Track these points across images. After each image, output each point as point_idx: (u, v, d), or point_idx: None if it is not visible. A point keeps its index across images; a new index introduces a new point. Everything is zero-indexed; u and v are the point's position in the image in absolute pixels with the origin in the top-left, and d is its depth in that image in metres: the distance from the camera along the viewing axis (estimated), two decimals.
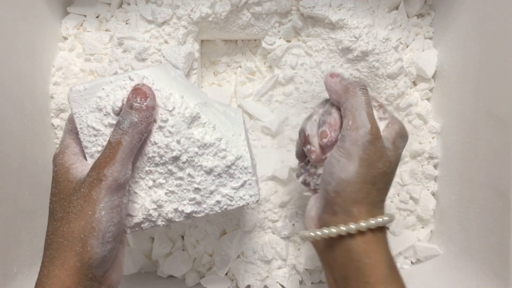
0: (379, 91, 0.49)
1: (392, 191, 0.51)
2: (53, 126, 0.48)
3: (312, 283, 0.51)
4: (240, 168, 0.35)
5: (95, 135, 0.33)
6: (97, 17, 0.50)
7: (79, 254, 0.30)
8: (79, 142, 0.34)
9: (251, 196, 0.35)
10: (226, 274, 0.51)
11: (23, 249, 0.43)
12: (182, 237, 0.50)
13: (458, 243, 0.47)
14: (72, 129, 0.34)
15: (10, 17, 0.42)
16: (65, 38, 0.50)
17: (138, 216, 0.34)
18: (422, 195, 0.51)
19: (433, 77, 0.50)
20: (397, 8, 0.49)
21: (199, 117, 0.33)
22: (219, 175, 0.34)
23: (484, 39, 0.43)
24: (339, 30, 0.46)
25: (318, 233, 0.33)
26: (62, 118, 0.48)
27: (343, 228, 0.32)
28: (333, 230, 0.32)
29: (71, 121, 0.34)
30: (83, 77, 0.49)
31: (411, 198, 0.51)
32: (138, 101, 0.31)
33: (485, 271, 0.42)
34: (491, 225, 0.42)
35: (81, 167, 0.32)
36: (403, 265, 0.51)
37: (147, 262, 0.51)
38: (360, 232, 0.32)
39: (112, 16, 0.49)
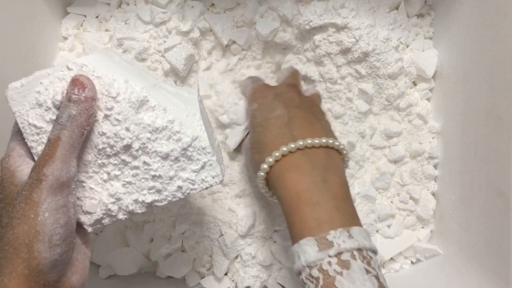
0: (380, 91, 0.49)
1: (392, 191, 0.51)
2: None
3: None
4: (198, 149, 0.33)
5: (38, 133, 0.31)
6: (97, 17, 0.50)
7: (26, 261, 0.28)
8: (25, 143, 0.32)
9: (213, 178, 0.34)
10: (226, 274, 0.51)
11: None
12: (182, 238, 0.50)
13: (458, 243, 0.47)
14: (17, 131, 0.32)
15: (10, 17, 0.41)
16: (65, 38, 0.50)
17: (97, 213, 0.33)
18: (422, 195, 0.51)
19: (433, 77, 0.50)
20: (397, 8, 0.49)
21: (147, 100, 0.31)
22: (177, 159, 0.33)
23: (484, 39, 0.43)
24: (342, 31, 0.46)
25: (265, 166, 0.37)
26: None
27: (284, 148, 0.36)
28: (276, 153, 0.36)
29: (16, 124, 0.32)
30: None
31: (411, 198, 0.51)
32: (76, 93, 0.29)
33: (485, 271, 0.42)
34: (491, 225, 0.42)
35: (27, 170, 0.30)
36: (403, 265, 0.51)
37: (147, 262, 0.51)
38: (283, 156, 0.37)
39: (111, 16, 0.49)
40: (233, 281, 0.51)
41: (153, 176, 0.32)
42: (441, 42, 0.50)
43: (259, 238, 0.49)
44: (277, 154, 0.37)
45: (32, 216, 0.28)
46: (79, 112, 0.29)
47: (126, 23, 0.48)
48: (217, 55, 0.50)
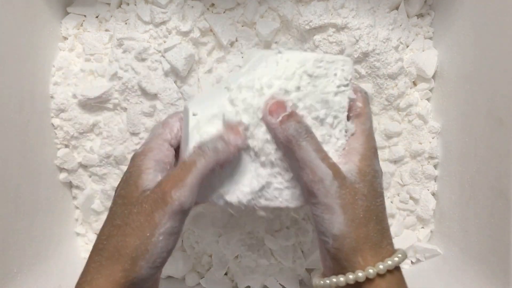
0: (380, 91, 0.49)
1: (392, 191, 0.51)
2: (53, 126, 0.48)
3: (311, 284, 0.51)
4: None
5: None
6: (97, 17, 0.50)
7: (127, 271, 0.29)
8: (163, 150, 0.33)
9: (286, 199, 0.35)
10: (226, 274, 0.51)
11: (23, 249, 0.43)
12: (182, 237, 0.50)
13: (458, 243, 0.47)
14: (162, 134, 0.34)
15: (10, 17, 0.41)
16: (65, 38, 0.50)
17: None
18: (422, 195, 0.51)
19: (433, 77, 0.50)
20: (397, 8, 0.49)
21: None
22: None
23: (484, 39, 0.43)
24: (342, 31, 0.46)
25: (327, 281, 0.31)
26: (62, 118, 0.48)
27: (350, 276, 0.30)
28: (341, 279, 0.30)
29: (165, 125, 0.34)
30: (83, 77, 0.49)
31: (411, 198, 0.51)
32: (231, 137, 0.31)
33: (485, 271, 0.42)
34: (491, 225, 0.42)
35: (153, 176, 0.31)
36: (403, 265, 0.51)
37: None
38: (369, 280, 0.30)
39: (111, 16, 0.49)
40: (233, 281, 0.51)
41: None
42: (441, 42, 0.50)
43: (259, 238, 0.49)
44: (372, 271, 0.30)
45: (147, 234, 0.29)
46: (223, 151, 0.31)
47: (126, 23, 0.49)
48: (217, 55, 0.50)
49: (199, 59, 0.49)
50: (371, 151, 0.33)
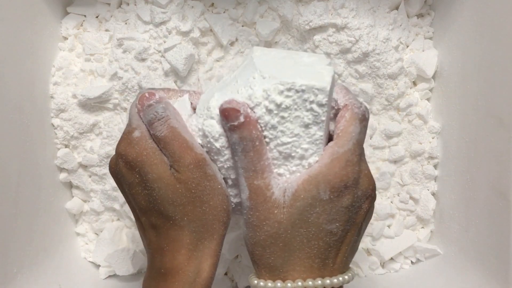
0: (380, 91, 0.49)
1: (392, 191, 0.51)
2: (53, 126, 0.48)
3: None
4: None
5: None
6: (97, 17, 0.50)
7: (225, 223, 0.33)
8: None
9: None
10: (226, 274, 0.51)
11: (23, 249, 0.43)
12: None
13: (458, 243, 0.47)
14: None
15: (10, 17, 0.41)
16: (65, 38, 0.50)
17: None
18: (422, 195, 0.51)
19: (433, 77, 0.50)
20: (397, 8, 0.49)
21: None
22: None
23: (484, 39, 0.43)
24: (342, 31, 0.46)
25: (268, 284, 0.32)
26: (62, 118, 0.48)
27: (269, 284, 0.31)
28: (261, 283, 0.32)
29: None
30: (83, 77, 0.49)
31: (411, 198, 0.51)
32: (148, 101, 0.34)
33: (485, 271, 0.42)
34: (491, 225, 0.42)
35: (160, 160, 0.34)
36: (403, 265, 0.51)
37: (147, 262, 0.51)
38: None
39: (111, 16, 0.49)
40: (233, 281, 0.51)
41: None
42: (441, 42, 0.50)
43: None
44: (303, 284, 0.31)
45: (218, 186, 0.33)
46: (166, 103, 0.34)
47: (126, 23, 0.49)
48: (217, 55, 0.50)
49: (199, 59, 0.49)
50: (325, 178, 0.30)
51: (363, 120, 0.32)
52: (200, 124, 0.33)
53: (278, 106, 0.31)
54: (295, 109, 0.31)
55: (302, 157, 0.32)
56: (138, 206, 0.34)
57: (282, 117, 0.31)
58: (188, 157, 0.32)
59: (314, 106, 0.31)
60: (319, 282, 0.30)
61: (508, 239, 0.39)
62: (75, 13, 0.50)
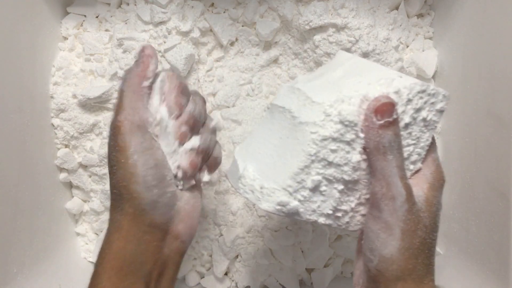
0: None
1: None
2: (53, 126, 0.48)
3: (311, 284, 0.51)
4: None
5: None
6: (97, 17, 0.50)
7: (129, 201, 0.31)
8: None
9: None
10: (226, 274, 0.51)
11: (23, 249, 0.43)
12: None
13: (458, 243, 0.47)
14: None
15: (10, 17, 0.41)
16: (65, 38, 0.50)
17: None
18: None
19: (433, 77, 0.50)
20: (397, 8, 0.49)
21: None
22: None
23: (484, 39, 0.43)
24: (342, 31, 0.46)
25: None
26: (62, 118, 0.48)
27: None
28: None
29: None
30: (83, 77, 0.49)
31: None
32: (138, 56, 0.35)
33: (485, 271, 0.42)
34: (491, 225, 0.42)
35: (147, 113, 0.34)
36: None
37: None
38: None
39: (111, 16, 0.49)
40: (233, 281, 0.51)
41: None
42: (441, 42, 0.50)
43: (259, 237, 0.49)
44: None
45: (123, 160, 0.31)
46: (136, 65, 0.34)
47: (126, 23, 0.49)
48: (217, 55, 0.50)
49: (199, 59, 0.49)
50: (439, 182, 0.32)
51: None
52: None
53: (414, 107, 0.30)
54: (422, 111, 0.31)
55: (414, 161, 0.32)
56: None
57: (413, 118, 0.31)
58: (113, 121, 0.32)
59: (435, 111, 0.31)
60: None
61: (508, 239, 0.39)
62: (75, 13, 0.50)
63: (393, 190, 0.29)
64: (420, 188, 0.31)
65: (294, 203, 0.30)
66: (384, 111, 0.29)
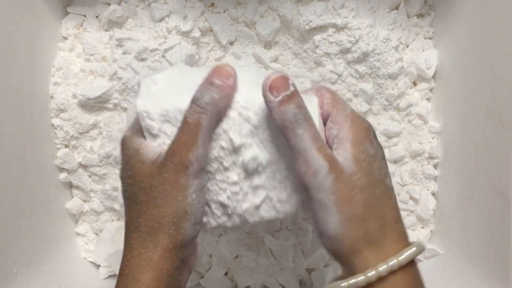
0: (380, 91, 0.49)
1: None
2: (53, 126, 0.48)
3: (311, 284, 0.51)
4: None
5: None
6: (97, 17, 0.50)
7: (173, 237, 0.30)
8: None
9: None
10: (226, 274, 0.51)
11: (23, 249, 0.43)
12: None
13: (458, 243, 0.47)
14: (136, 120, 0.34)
15: (10, 17, 0.41)
16: (65, 38, 0.50)
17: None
18: (422, 195, 0.51)
19: (433, 77, 0.50)
20: (397, 8, 0.49)
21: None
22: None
23: (484, 39, 0.43)
24: (341, 31, 0.46)
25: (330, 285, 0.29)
26: (62, 118, 0.48)
27: (351, 281, 0.27)
28: (342, 284, 0.28)
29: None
30: (83, 77, 0.49)
31: (411, 198, 0.51)
32: (220, 79, 0.30)
33: (485, 271, 0.42)
34: (491, 225, 0.42)
35: (149, 148, 0.32)
36: None
37: None
38: (380, 279, 0.27)
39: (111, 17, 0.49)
40: (233, 281, 0.51)
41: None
42: (441, 42, 0.50)
43: (259, 238, 0.49)
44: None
45: (180, 198, 0.30)
46: (221, 98, 0.30)
47: (126, 23, 0.49)
48: (217, 55, 0.50)
49: (199, 59, 0.49)
50: (361, 134, 0.30)
51: (337, 94, 0.34)
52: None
53: None
54: None
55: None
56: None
57: None
58: (179, 155, 0.30)
59: None
60: (414, 250, 0.28)
61: (508, 239, 0.39)
62: (75, 13, 0.50)
63: (313, 165, 0.28)
64: (345, 150, 0.29)
65: None
66: (279, 86, 0.28)
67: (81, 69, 0.49)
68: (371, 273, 0.27)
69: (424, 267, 0.50)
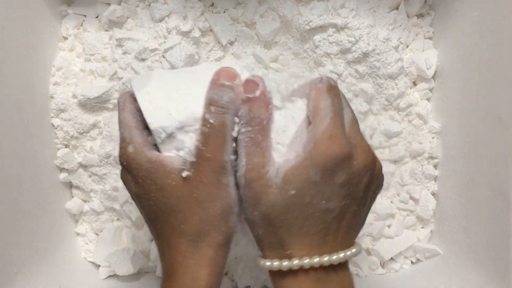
0: (380, 91, 0.49)
1: (392, 191, 0.51)
2: (53, 126, 0.48)
3: None
4: None
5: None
6: (97, 17, 0.50)
7: (225, 232, 0.32)
8: (144, 134, 0.33)
9: None
10: (226, 274, 0.51)
11: (23, 249, 0.43)
12: None
13: (458, 243, 0.47)
14: (136, 125, 0.33)
15: (10, 17, 0.41)
16: (65, 38, 0.50)
17: None
18: (422, 195, 0.51)
19: (433, 77, 0.50)
20: (397, 8, 0.49)
21: None
22: None
23: (484, 39, 0.43)
24: (341, 31, 0.46)
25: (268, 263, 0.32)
26: (62, 118, 0.48)
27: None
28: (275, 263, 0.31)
29: (135, 115, 0.33)
30: (83, 77, 0.49)
31: (411, 198, 0.51)
32: (229, 81, 0.31)
33: (485, 271, 0.42)
34: (491, 225, 0.42)
35: (172, 159, 0.32)
36: (403, 265, 0.51)
37: (147, 262, 0.51)
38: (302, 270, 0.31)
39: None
40: (233, 281, 0.51)
41: None
42: (441, 42, 0.50)
43: None
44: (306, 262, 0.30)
45: (224, 195, 0.31)
46: (236, 96, 0.31)
47: (126, 23, 0.49)
48: (217, 55, 0.50)
49: (199, 59, 0.49)
50: (312, 162, 0.30)
51: (331, 89, 0.32)
52: None
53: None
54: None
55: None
56: (145, 216, 0.34)
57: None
58: (214, 158, 0.31)
59: None
60: (316, 259, 0.30)
61: (508, 239, 0.39)
62: (75, 13, 0.50)
63: (239, 165, 0.31)
64: (285, 166, 0.30)
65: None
66: (247, 87, 0.31)
67: (81, 69, 0.49)
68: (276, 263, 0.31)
69: (424, 267, 0.51)
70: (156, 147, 0.33)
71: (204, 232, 0.32)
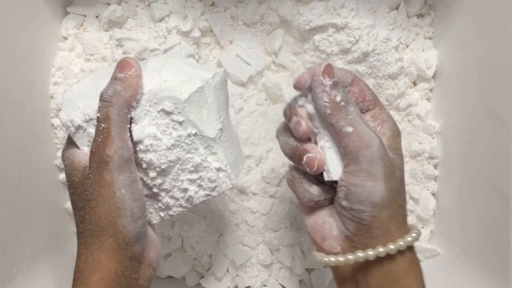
0: (380, 91, 0.49)
1: None
2: (53, 126, 0.48)
3: (311, 284, 0.51)
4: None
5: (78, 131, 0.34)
6: (97, 17, 0.50)
7: (113, 236, 0.30)
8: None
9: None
10: (226, 274, 0.51)
11: (23, 249, 0.43)
12: (182, 238, 0.50)
13: (458, 243, 0.47)
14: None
15: (10, 17, 0.41)
16: (65, 38, 0.50)
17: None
18: (422, 195, 0.51)
19: (433, 77, 0.50)
20: (397, 8, 0.49)
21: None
22: None
23: (484, 39, 0.43)
24: (342, 31, 0.46)
25: (351, 257, 0.31)
26: None
27: (381, 249, 0.30)
28: (370, 252, 0.30)
29: None
30: (83, 77, 0.49)
31: (411, 198, 0.51)
32: (122, 72, 0.31)
33: (485, 271, 0.42)
34: (491, 225, 0.42)
35: (81, 156, 0.32)
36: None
37: None
38: (399, 252, 0.31)
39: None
40: (233, 281, 0.51)
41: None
42: (441, 42, 0.50)
43: (259, 237, 0.49)
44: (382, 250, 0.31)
45: (109, 195, 0.30)
46: (124, 88, 0.30)
47: (126, 23, 0.49)
48: (217, 55, 0.50)
49: (199, 59, 0.49)
50: (396, 133, 0.34)
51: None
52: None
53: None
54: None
55: None
56: None
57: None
58: (98, 153, 0.30)
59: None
60: (409, 238, 0.31)
61: (508, 239, 0.39)
62: (75, 13, 0.50)
63: (367, 138, 0.31)
64: (385, 138, 0.33)
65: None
66: (330, 72, 0.32)
67: (81, 69, 0.49)
68: (402, 243, 0.30)
69: (424, 267, 0.50)
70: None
71: (94, 234, 0.30)
